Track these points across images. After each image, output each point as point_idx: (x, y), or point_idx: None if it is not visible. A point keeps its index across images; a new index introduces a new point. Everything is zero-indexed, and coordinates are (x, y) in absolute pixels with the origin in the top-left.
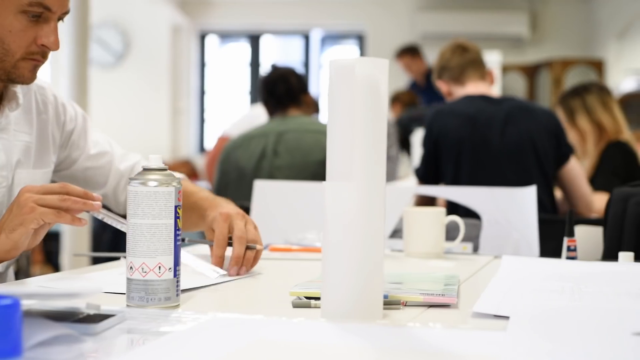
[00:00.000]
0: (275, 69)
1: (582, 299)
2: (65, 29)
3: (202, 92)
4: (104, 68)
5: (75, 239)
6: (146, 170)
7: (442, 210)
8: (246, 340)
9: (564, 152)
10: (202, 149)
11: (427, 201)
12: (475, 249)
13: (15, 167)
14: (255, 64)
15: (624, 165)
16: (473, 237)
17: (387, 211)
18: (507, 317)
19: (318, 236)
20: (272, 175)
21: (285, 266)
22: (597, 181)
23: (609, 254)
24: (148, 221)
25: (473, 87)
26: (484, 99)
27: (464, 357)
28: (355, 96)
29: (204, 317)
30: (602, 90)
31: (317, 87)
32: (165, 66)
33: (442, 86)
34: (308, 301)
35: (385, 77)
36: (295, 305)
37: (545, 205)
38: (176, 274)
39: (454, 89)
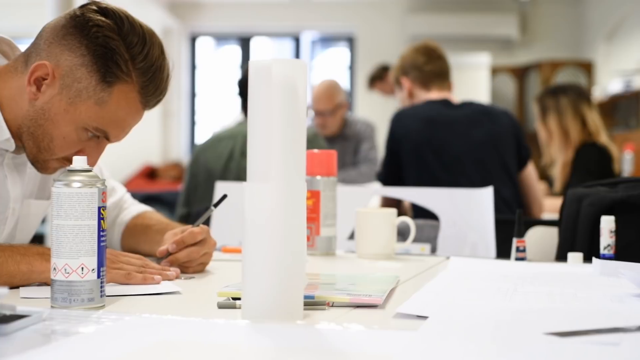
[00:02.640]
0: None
1: (513, 299)
2: None
3: (193, 95)
4: None
5: None
6: (70, 171)
7: (392, 211)
8: (152, 340)
9: (524, 155)
10: (192, 151)
11: (392, 203)
12: (434, 250)
13: (24, 196)
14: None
15: (597, 165)
16: (432, 238)
17: (346, 213)
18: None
19: None
20: (239, 177)
21: (232, 267)
22: (572, 180)
23: (563, 255)
24: (71, 222)
25: (436, 94)
26: (445, 103)
27: (364, 356)
28: (272, 97)
29: (125, 318)
30: (579, 95)
31: (308, 89)
32: None
33: (405, 83)
34: (233, 302)
35: (303, 78)
36: (221, 306)
37: (512, 205)
38: (100, 275)
39: (417, 92)
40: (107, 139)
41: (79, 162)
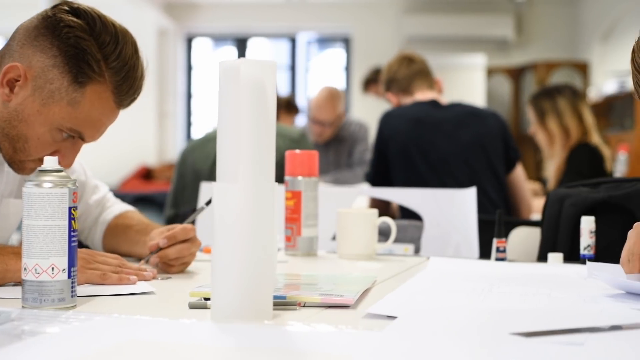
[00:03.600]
0: None
1: (487, 299)
2: None
3: (189, 96)
4: None
5: None
6: (41, 172)
7: (373, 211)
8: (118, 340)
9: (512, 156)
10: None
11: (381, 204)
12: (418, 251)
13: (3, 195)
14: None
15: (589, 166)
16: (416, 239)
17: (331, 213)
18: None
19: None
20: None
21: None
22: (564, 181)
23: (544, 255)
24: (41, 222)
25: (421, 95)
26: (433, 104)
27: (323, 356)
28: (240, 97)
29: (94, 318)
30: (575, 95)
31: (305, 90)
32: (151, 70)
33: (391, 98)
34: (204, 302)
35: (272, 78)
36: (192, 306)
37: (499, 206)
38: (71, 275)
39: (403, 100)
40: (82, 139)
41: (50, 162)
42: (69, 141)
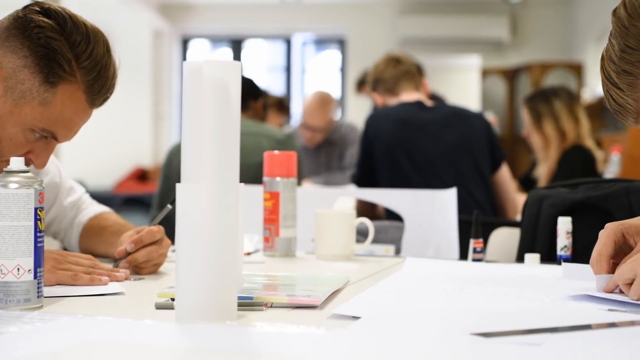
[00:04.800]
0: None
1: (455, 300)
2: None
3: None
4: None
5: None
6: (7, 172)
7: (351, 212)
8: (77, 340)
9: (497, 157)
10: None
11: (367, 204)
12: (398, 252)
13: None
14: None
15: (582, 169)
16: (397, 240)
17: (312, 214)
18: None
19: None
20: None
21: None
22: (555, 182)
23: (523, 256)
24: (7, 223)
25: (407, 96)
26: (418, 105)
27: (276, 356)
28: (203, 98)
29: (59, 318)
30: (571, 97)
31: (300, 91)
32: (146, 71)
33: (377, 98)
34: (171, 303)
35: (236, 79)
36: (158, 307)
37: (485, 207)
38: (37, 275)
39: (388, 100)
40: (56, 139)
41: (16, 163)
42: (42, 141)
